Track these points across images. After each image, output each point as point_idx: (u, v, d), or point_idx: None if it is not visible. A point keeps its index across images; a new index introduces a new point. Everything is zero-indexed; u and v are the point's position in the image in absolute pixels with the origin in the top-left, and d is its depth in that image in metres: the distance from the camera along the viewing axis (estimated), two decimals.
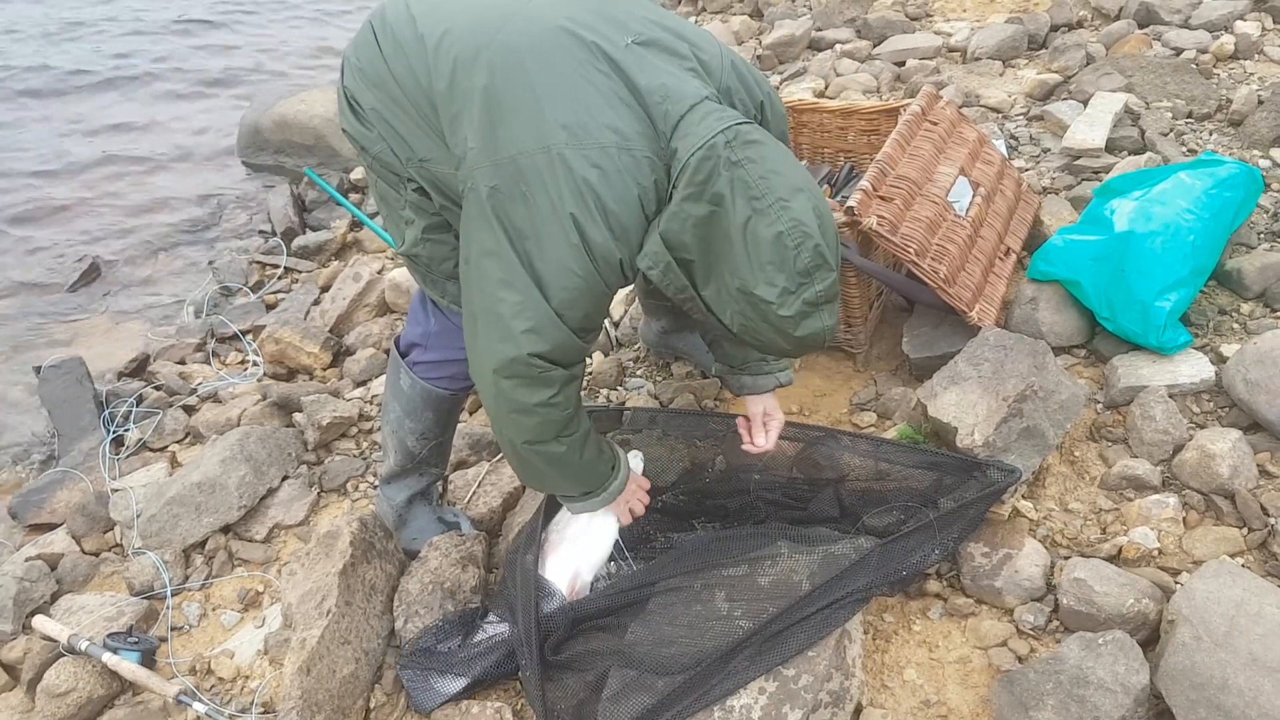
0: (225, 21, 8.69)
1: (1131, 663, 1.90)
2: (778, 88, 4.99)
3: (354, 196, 5.54)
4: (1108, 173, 3.51)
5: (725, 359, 2.49)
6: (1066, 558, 2.28)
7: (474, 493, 2.84)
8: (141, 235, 5.67)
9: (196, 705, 2.36)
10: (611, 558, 2.39)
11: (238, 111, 6.96)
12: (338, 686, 2.21)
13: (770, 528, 2.34)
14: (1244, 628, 1.87)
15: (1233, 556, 2.22)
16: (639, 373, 3.25)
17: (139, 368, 4.18)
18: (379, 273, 4.28)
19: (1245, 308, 2.86)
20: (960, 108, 3.82)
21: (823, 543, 2.22)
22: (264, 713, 2.36)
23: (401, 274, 4.08)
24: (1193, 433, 2.50)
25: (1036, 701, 1.91)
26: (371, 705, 2.30)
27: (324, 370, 3.81)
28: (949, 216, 2.82)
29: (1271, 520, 2.26)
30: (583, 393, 3.12)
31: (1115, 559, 2.25)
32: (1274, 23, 4.56)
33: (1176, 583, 2.15)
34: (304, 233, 5.29)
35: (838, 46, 5.49)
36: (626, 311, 3.52)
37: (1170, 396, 2.56)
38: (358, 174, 5.75)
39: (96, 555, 3.03)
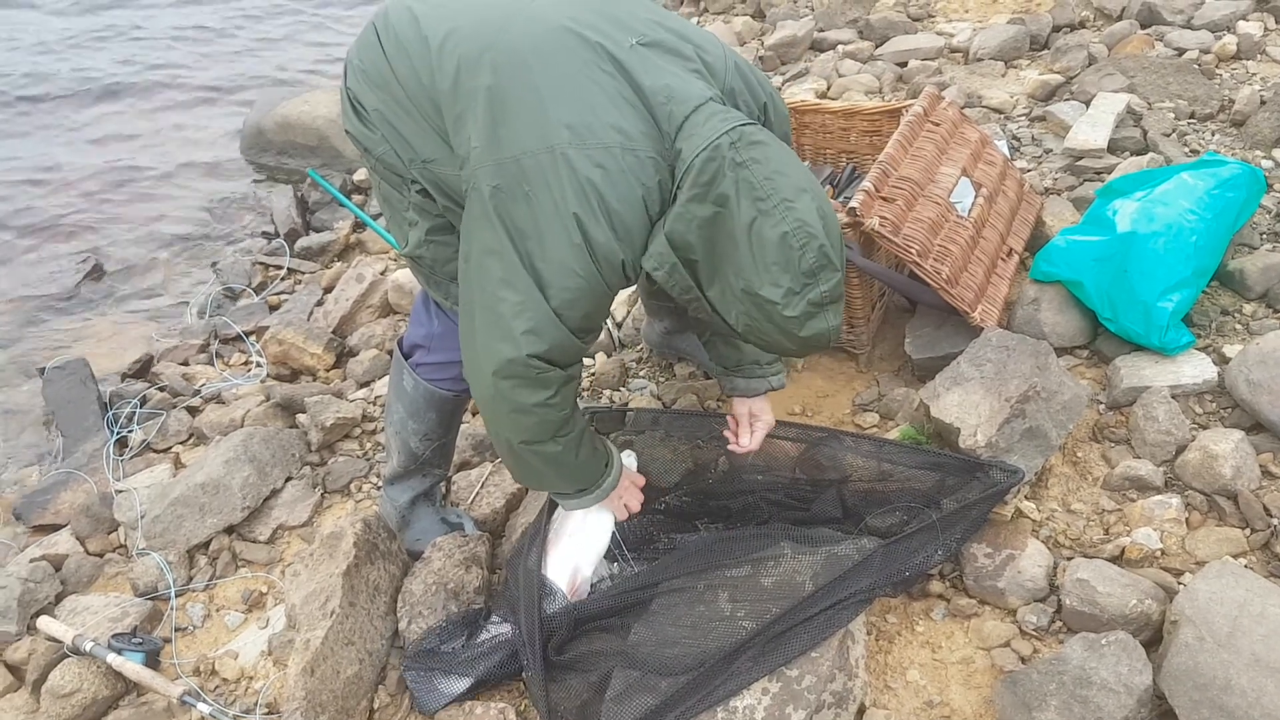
0: (227, 28, 8.69)
1: (1134, 663, 1.90)
2: (780, 88, 5.00)
3: (357, 198, 5.55)
4: (1110, 173, 3.51)
5: (720, 360, 2.50)
6: (1069, 558, 2.28)
7: (477, 494, 2.85)
8: (145, 236, 5.67)
9: (201, 706, 2.36)
10: (614, 558, 2.40)
11: (240, 113, 6.96)
12: (342, 687, 2.21)
13: (773, 528, 2.34)
14: (1247, 628, 1.87)
15: (1235, 557, 2.22)
16: (642, 374, 3.26)
17: (143, 369, 4.19)
18: (382, 274, 4.29)
19: (1248, 308, 2.86)
20: (962, 108, 3.82)
21: (826, 543, 2.23)
22: (268, 713, 2.37)
23: (404, 275, 4.08)
24: (1195, 433, 2.50)
25: (1039, 702, 1.91)
26: (375, 706, 2.30)
27: (327, 371, 3.82)
28: (951, 217, 2.82)
29: (1274, 521, 2.26)
30: (585, 393, 3.14)
31: (1118, 560, 2.25)
32: (1276, 23, 4.55)
33: (1179, 583, 2.16)
34: (307, 234, 5.29)
35: (840, 47, 5.48)
36: (629, 312, 3.52)
37: (1173, 397, 2.56)
38: (360, 175, 5.75)
39: (101, 556, 3.04)
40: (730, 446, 2.47)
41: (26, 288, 5.18)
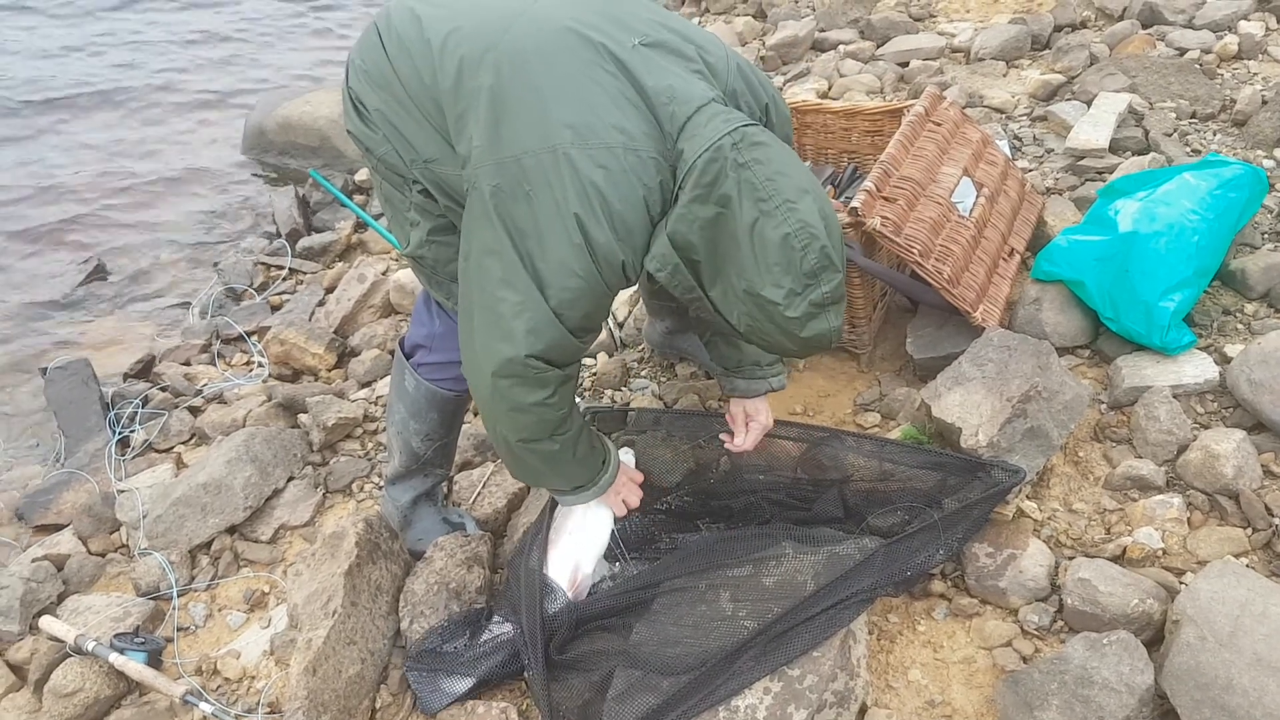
0: (230, 33, 8.69)
1: (1136, 663, 1.90)
2: (781, 89, 5.00)
3: (359, 198, 5.55)
4: (1111, 173, 3.51)
5: (720, 360, 2.50)
6: (1071, 558, 2.28)
7: (479, 493, 2.85)
8: (146, 237, 5.67)
9: (203, 705, 2.36)
10: (616, 557, 2.41)
11: (241, 114, 6.96)
12: (343, 687, 2.22)
13: (775, 528, 2.35)
14: (1248, 628, 1.87)
15: (1237, 557, 2.22)
16: (643, 373, 3.26)
17: (144, 369, 4.19)
18: (383, 274, 4.29)
19: (1249, 308, 2.86)
20: (964, 108, 3.82)
21: (827, 543, 2.23)
22: (270, 713, 2.37)
23: (406, 275, 4.08)
24: (1197, 433, 2.50)
25: (1041, 701, 1.91)
26: (377, 705, 2.30)
27: (329, 371, 3.82)
28: (953, 217, 2.82)
29: (1276, 520, 2.26)
30: (587, 393, 3.14)
31: (1120, 559, 2.25)
32: (1278, 23, 4.55)
33: (1181, 583, 2.16)
34: (309, 234, 5.29)
35: (841, 47, 5.48)
36: (631, 312, 3.52)
37: (1174, 397, 2.56)
38: (362, 175, 5.75)
39: (103, 556, 3.04)
40: (726, 445, 2.48)
41: (29, 288, 5.18)
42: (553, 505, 2.43)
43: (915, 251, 2.64)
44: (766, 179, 1.75)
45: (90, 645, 2.49)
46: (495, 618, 2.34)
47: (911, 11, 5.72)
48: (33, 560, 2.96)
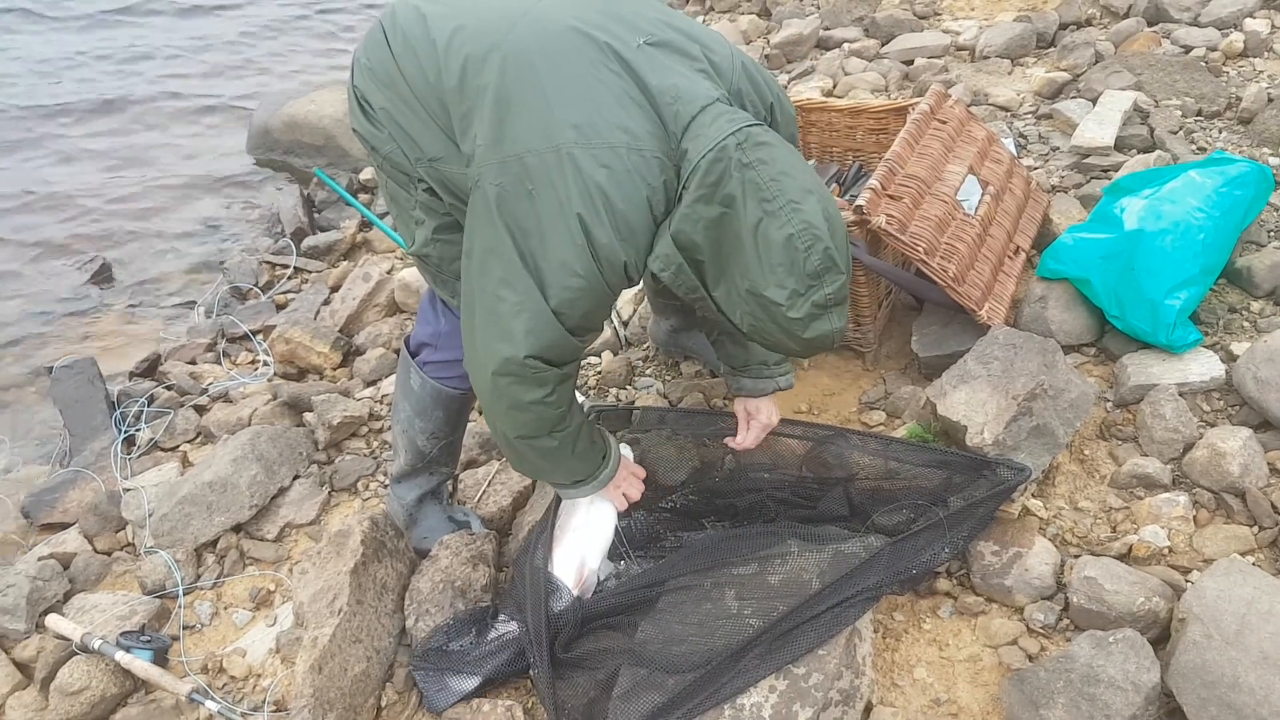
0: (231, 34, 8.71)
1: (1142, 661, 1.90)
2: (785, 87, 4.99)
3: (363, 197, 5.56)
4: (1117, 171, 3.50)
5: (727, 359, 2.50)
6: (1077, 556, 2.28)
7: (484, 492, 2.85)
8: (152, 236, 5.68)
9: (209, 703, 2.37)
10: (620, 556, 2.41)
11: (246, 113, 6.97)
12: (349, 685, 2.22)
13: (780, 526, 2.35)
14: (1255, 626, 1.87)
15: (1243, 555, 2.22)
16: (648, 372, 3.26)
17: (150, 368, 4.20)
18: (388, 273, 4.29)
19: (1255, 306, 2.86)
20: (969, 106, 3.82)
21: (832, 541, 2.23)
22: (276, 711, 2.37)
23: (411, 274, 4.09)
24: (1203, 431, 2.49)
25: (1047, 700, 1.91)
26: (383, 704, 2.30)
27: (334, 370, 3.82)
28: (958, 215, 2.82)
29: None
30: (592, 391, 3.14)
31: (1125, 557, 2.25)
32: None
33: (1187, 581, 2.15)
34: (314, 233, 5.29)
35: (846, 45, 5.48)
36: (636, 310, 3.53)
37: (1180, 395, 2.56)
38: (367, 174, 5.76)
39: (109, 554, 3.04)
40: (727, 441, 2.49)
41: (35, 287, 5.20)
42: (557, 503, 2.43)
43: (920, 249, 2.64)
44: (771, 179, 1.75)
45: (96, 643, 2.49)
46: (501, 616, 2.35)
47: (916, 9, 5.72)
48: (39, 559, 2.97)
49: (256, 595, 2.79)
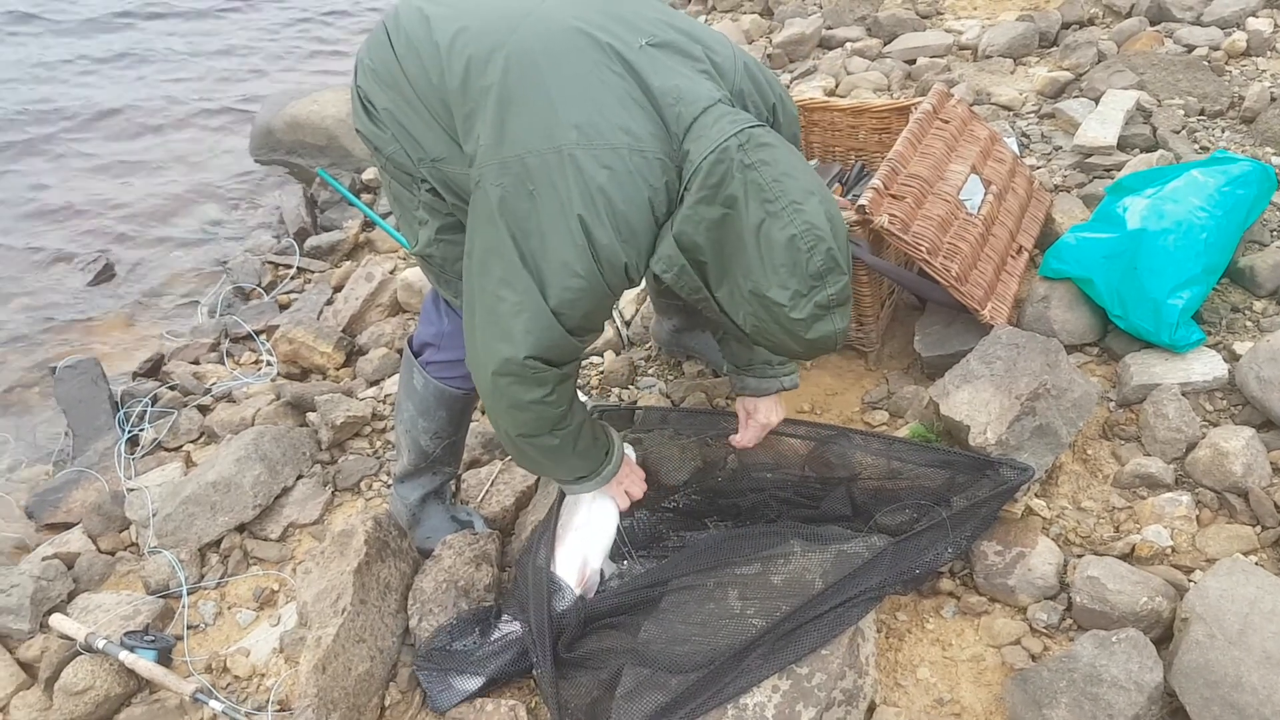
0: (236, 43, 8.73)
1: (1145, 661, 1.90)
2: (788, 86, 4.99)
3: (366, 197, 5.56)
4: (1119, 170, 3.50)
5: (732, 358, 2.50)
6: (1080, 556, 2.28)
7: (487, 491, 2.85)
8: (155, 236, 5.69)
9: (213, 703, 2.37)
10: (624, 556, 2.41)
11: (249, 114, 6.98)
12: (353, 684, 2.22)
13: (783, 526, 2.35)
14: (1258, 625, 1.87)
15: (1246, 554, 2.22)
16: (651, 372, 3.26)
17: (154, 368, 4.20)
18: (391, 272, 4.30)
19: (1258, 305, 2.86)
20: (971, 106, 3.82)
21: (835, 541, 2.23)
22: (280, 710, 2.38)
23: (414, 274, 4.09)
24: (1205, 431, 2.50)
25: (1050, 700, 1.91)
26: (386, 703, 2.31)
27: (337, 370, 3.83)
28: (961, 215, 2.82)
29: None
30: (595, 391, 3.14)
31: (1128, 557, 2.25)
32: None
33: (1190, 581, 2.15)
34: (316, 233, 5.30)
35: (848, 45, 5.48)
36: (638, 310, 3.53)
37: (1183, 394, 2.56)
38: (370, 174, 5.76)
39: (112, 554, 3.05)
40: (731, 440, 2.49)
41: (38, 288, 5.20)
42: (559, 502, 2.44)
43: (923, 249, 2.64)
44: (773, 180, 1.75)
45: (100, 643, 2.50)
46: (504, 616, 2.35)
47: (919, 9, 5.72)
48: (43, 559, 2.97)
49: (260, 595, 2.79)
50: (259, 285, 4.90)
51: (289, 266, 5.01)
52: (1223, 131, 3.79)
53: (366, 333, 3.98)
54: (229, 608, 2.78)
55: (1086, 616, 2.12)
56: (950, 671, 2.14)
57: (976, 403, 2.41)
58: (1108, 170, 3.60)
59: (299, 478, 3.16)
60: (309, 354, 3.85)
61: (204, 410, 3.74)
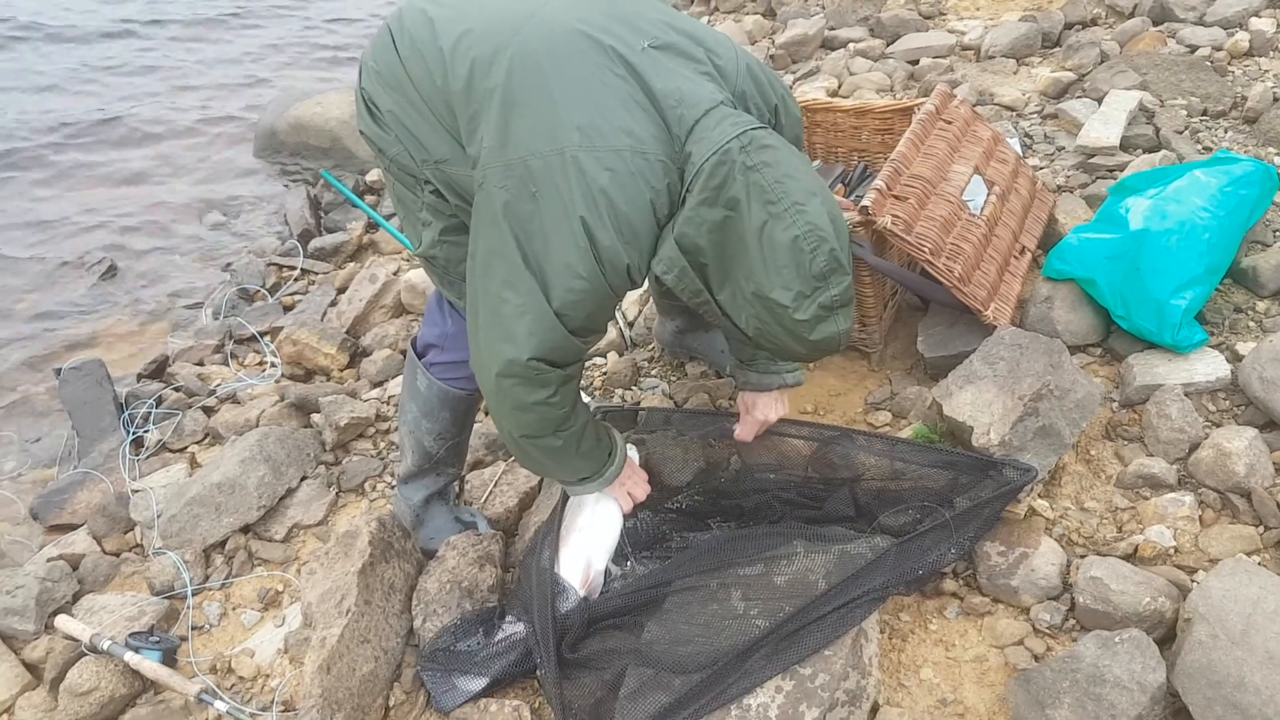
0: (240, 48, 8.74)
1: (1148, 661, 1.90)
2: (791, 87, 4.99)
3: (370, 198, 5.57)
4: (1122, 171, 3.50)
5: (737, 352, 2.52)
6: (1083, 556, 2.28)
7: (490, 492, 2.86)
8: (159, 238, 5.71)
9: (217, 704, 2.38)
10: (626, 557, 2.41)
11: (254, 116, 6.99)
12: (357, 685, 2.23)
13: (786, 527, 2.35)
14: (1261, 625, 1.87)
15: (1249, 554, 2.22)
16: (654, 373, 3.26)
17: (158, 369, 4.21)
18: (395, 274, 4.31)
19: (1261, 305, 2.86)
20: (974, 106, 3.82)
21: (838, 542, 2.23)
22: (284, 711, 2.38)
23: (417, 275, 4.10)
24: (1208, 431, 2.49)
25: (1053, 700, 1.91)
26: (391, 703, 2.31)
27: (341, 371, 3.84)
28: (964, 215, 2.82)
29: None
30: (598, 392, 3.15)
31: (1131, 557, 2.25)
32: None
33: (1193, 581, 2.15)
34: (320, 235, 5.31)
35: (851, 45, 5.49)
36: (641, 311, 3.53)
37: (1186, 395, 2.56)
38: (373, 176, 5.77)
39: (117, 555, 3.06)
40: (735, 433, 2.51)
41: (42, 290, 5.21)
42: (563, 503, 2.44)
43: (926, 250, 2.64)
44: (775, 181, 1.75)
45: (105, 644, 2.50)
46: (508, 617, 2.35)
47: (921, 9, 5.72)
48: (48, 560, 2.98)
49: (265, 596, 2.80)
50: (263, 287, 4.92)
51: (293, 268, 5.02)
52: (1225, 132, 3.79)
53: (370, 334, 3.98)
54: (234, 608, 2.79)
55: (1089, 617, 2.12)
56: (953, 672, 2.14)
57: (979, 403, 2.41)
58: (1110, 171, 3.61)
59: (303, 479, 3.16)
60: (313, 355, 3.86)
61: (209, 411, 3.75)
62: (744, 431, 2.49)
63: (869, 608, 2.09)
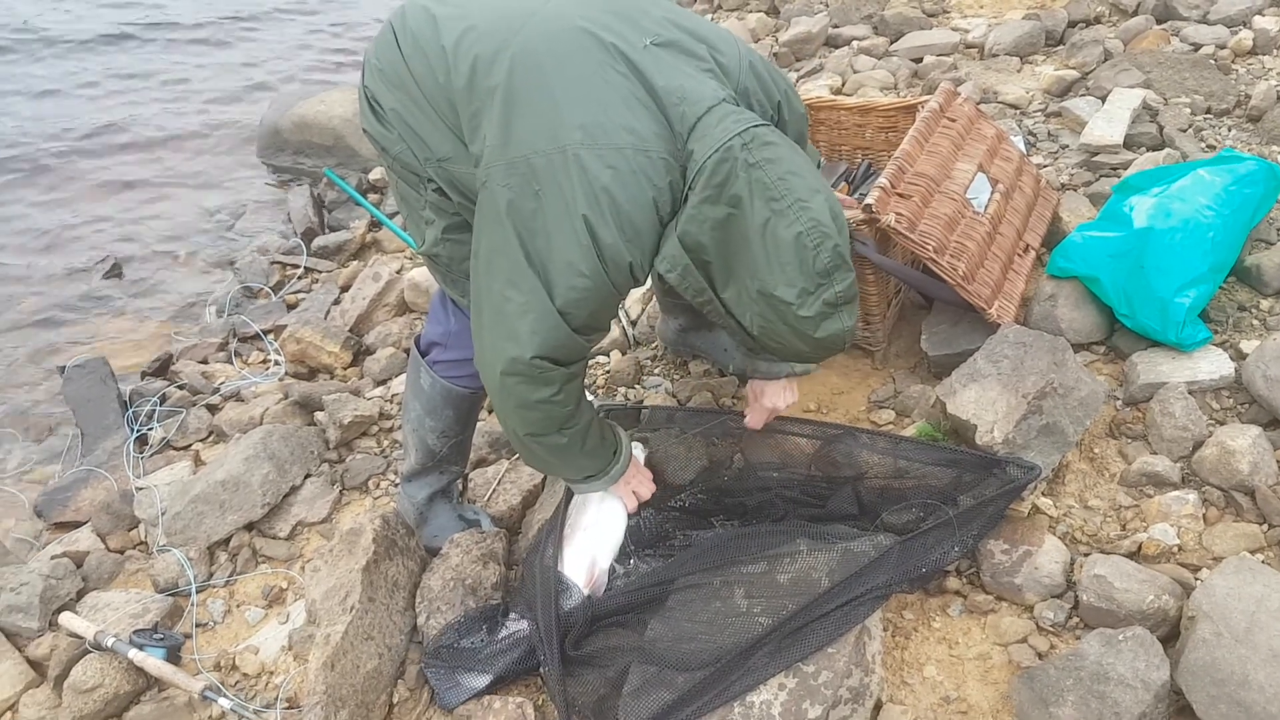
0: (237, 40, 8.76)
1: (1152, 659, 1.90)
2: (794, 85, 4.99)
3: (373, 197, 5.57)
4: (1126, 169, 3.50)
5: (744, 341, 2.51)
6: (1086, 554, 2.28)
7: (494, 490, 2.86)
8: (163, 236, 5.71)
9: (221, 701, 2.38)
10: (628, 555, 2.41)
11: (256, 113, 6.99)
12: (361, 682, 2.23)
13: (789, 525, 2.35)
14: (1264, 624, 1.87)
15: (1253, 553, 2.21)
16: (657, 371, 3.26)
17: (162, 367, 4.22)
18: (398, 272, 4.31)
19: (1265, 304, 2.85)
20: (978, 104, 3.81)
21: (842, 540, 2.23)
22: (288, 708, 2.38)
23: (420, 273, 4.10)
24: (1212, 429, 2.49)
25: (1057, 698, 1.91)
26: (394, 700, 2.31)
27: (344, 369, 3.84)
28: (967, 213, 2.82)
29: None
30: (600, 391, 3.15)
31: (1135, 555, 2.25)
32: None
33: (1196, 579, 2.15)
34: (324, 233, 5.32)
35: (855, 43, 5.48)
36: (644, 310, 3.53)
37: (1189, 393, 2.56)
38: (376, 174, 5.77)
39: (121, 553, 3.06)
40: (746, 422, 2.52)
41: (46, 288, 5.22)
42: (567, 501, 2.44)
43: (930, 248, 2.64)
44: (778, 178, 1.75)
45: (109, 641, 2.51)
46: (511, 614, 2.35)
47: (925, 7, 5.72)
48: (52, 557, 2.99)
49: (269, 593, 2.80)
50: (267, 285, 4.92)
51: (296, 266, 5.03)
52: (1229, 130, 3.79)
53: (374, 332, 3.99)
54: (238, 606, 2.79)
55: (1093, 615, 2.12)
56: (957, 670, 2.14)
57: (983, 401, 2.41)
58: (1114, 169, 3.60)
59: (307, 476, 3.17)
60: (317, 353, 3.86)
61: (212, 409, 3.75)
62: (753, 419, 2.50)
63: (872, 605, 2.09)
